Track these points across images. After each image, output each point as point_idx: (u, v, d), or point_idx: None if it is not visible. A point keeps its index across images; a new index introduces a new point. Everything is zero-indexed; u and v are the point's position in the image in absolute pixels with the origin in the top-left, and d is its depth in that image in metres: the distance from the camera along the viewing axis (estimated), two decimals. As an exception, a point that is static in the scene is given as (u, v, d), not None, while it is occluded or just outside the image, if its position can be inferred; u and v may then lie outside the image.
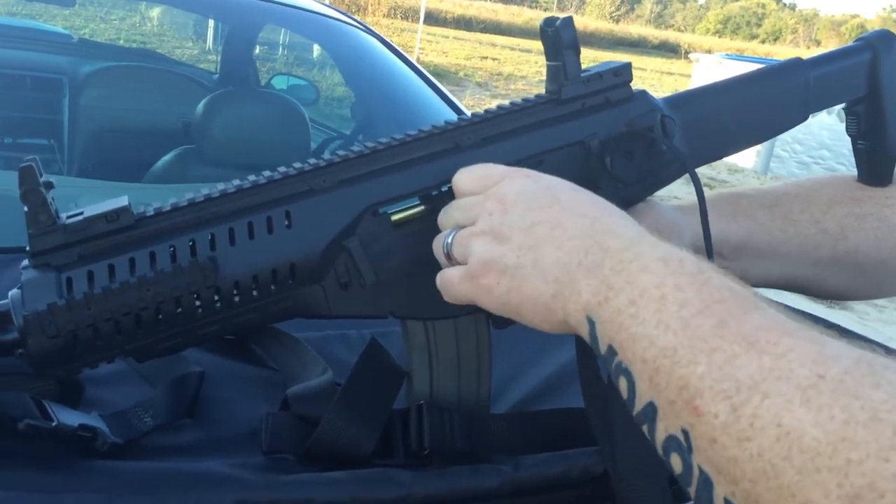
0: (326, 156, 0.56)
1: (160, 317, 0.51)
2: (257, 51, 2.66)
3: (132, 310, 0.50)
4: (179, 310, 0.51)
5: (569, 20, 0.59)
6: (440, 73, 10.25)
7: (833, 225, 0.67)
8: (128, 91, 1.99)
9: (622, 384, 0.40)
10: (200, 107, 1.67)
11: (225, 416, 0.61)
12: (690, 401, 0.34)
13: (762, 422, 0.31)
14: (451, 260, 0.52)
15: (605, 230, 0.45)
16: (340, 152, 0.56)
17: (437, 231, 0.56)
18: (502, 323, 0.61)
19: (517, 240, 0.47)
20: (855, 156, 0.70)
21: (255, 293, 0.53)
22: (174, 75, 2.29)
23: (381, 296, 0.57)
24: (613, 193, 0.59)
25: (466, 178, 0.53)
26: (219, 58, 2.52)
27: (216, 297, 0.52)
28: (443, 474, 0.52)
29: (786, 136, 7.97)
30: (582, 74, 0.60)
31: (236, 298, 0.53)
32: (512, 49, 16.64)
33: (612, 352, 0.40)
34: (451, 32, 18.28)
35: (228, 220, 0.53)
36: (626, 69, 0.62)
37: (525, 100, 0.61)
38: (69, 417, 0.52)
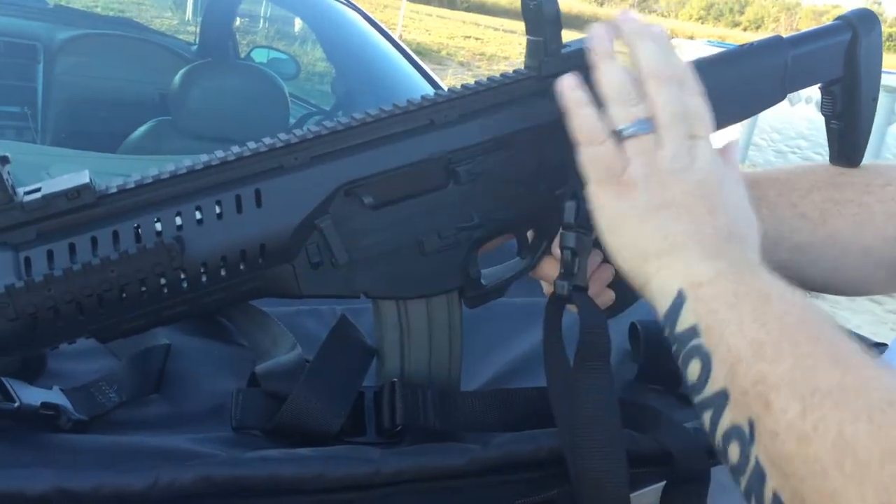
0: (298, 130, 0.54)
1: (124, 298, 0.49)
2: (238, 23, 2.62)
3: (94, 291, 0.48)
4: (144, 290, 0.49)
5: None
6: (423, 51, 10.18)
7: (811, 209, 0.66)
8: (104, 60, 1.95)
9: (693, 366, 0.42)
10: (177, 78, 1.65)
11: (191, 391, 0.60)
12: (765, 394, 0.37)
13: (826, 427, 0.34)
14: (618, 140, 0.50)
15: (737, 234, 0.48)
16: (313, 127, 0.55)
17: (414, 213, 0.56)
18: (475, 302, 0.61)
19: (678, 186, 0.48)
20: (828, 136, 0.69)
21: (223, 273, 0.52)
22: (152, 45, 2.25)
23: (353, 276, 0.56)
24: None
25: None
26: (198, 29, 2.48)
27: (182, 278, 0.50)
28: (411, 452, 0.52)
29: (764, 125, 8.02)
30: (563, 50, 0.59)
31: (204, 279, 0.51)
32: (495, 29, 16.55)
33: (694, 332, 0.42)
34: (435, 10, 18.14)
35: (196, 199, 0.51)
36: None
37: (504, 75, 0.59)
38: (30, 395, 0.51)
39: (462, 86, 0.58)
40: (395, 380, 0.57)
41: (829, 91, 0.68)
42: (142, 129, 1.62)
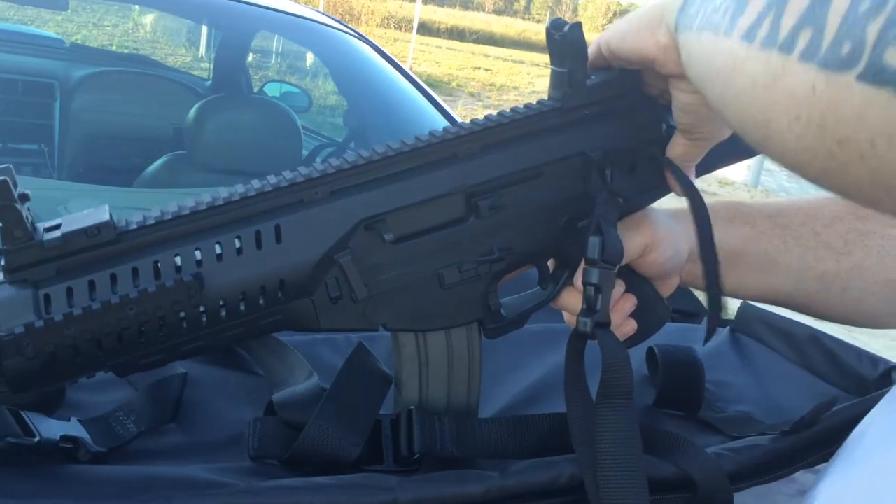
0: (319, 164, 0.54)
1: (143, 334, 0.49)
2: (250, 59, 2.66)
3: (114, 329, 0.48)
4: (163, 327, 0.49)
5: (577, 25, 0.56)
6: (433, 82, 10.26)
7: (835, 239, 0.66)
8: (119, 96, 1.98)
9: None
10: (192, 112, 1.67)
11: (208, 421, 0.60)
12: None
13: None
14: None
15: None
16: (334, 161, 0.54)
17: (434, 246, 0.55)
18: (495, 333, 0.61)
19: None
20: None
21: (242, 308, 0.51)
22: (166, 81, 2.29)
23: (372, 309, 0.55)
24: (611, 207, 0.57)
25: None
26: (211, 65, 2.52)
27: (202, 313, 0.50)
28: (428, 480, 0.51)
29: (777, 150, 8.01)
30: (588, 82, 0.58)
31: (223, 314, 0.51)
32: (504, 60, 16.68)
33: None
34: (445, 43, 18.32)
35: (215, 234, 0.50)
36: (636, 77, 0.59)
37: (528, 106, 0.58)
38: (50, 428, 0.51)
39: (485, 117, 0.57)
40: (413, 407, 0.57)
41: None
42: (157, 163, 1.64)
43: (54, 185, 1.54)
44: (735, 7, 0.37)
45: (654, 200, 0.64)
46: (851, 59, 0.30)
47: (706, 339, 0.64)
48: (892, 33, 0.28)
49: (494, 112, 0.59)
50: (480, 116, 0.58)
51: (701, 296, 0.94)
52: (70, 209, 1.18)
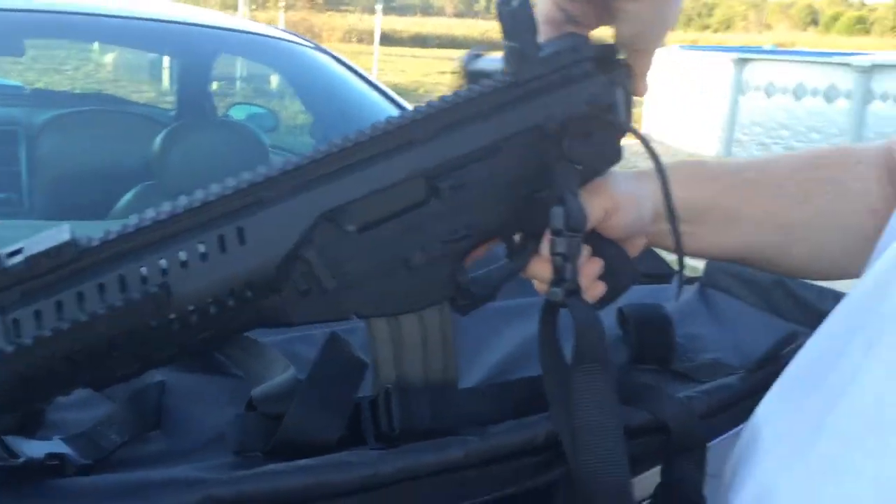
0: (279, 162, 0.54)
1: (115, 347, 0.49)
2: (214, 86, 2.67)
3: (84, 346, 0.48)
4: (135, 339, 0.49)
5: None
6: (400, 91, 10.23)
7: (794, 188, 0.67)
8: (84, 135, 1.97)
9: None
10: (158, 141, 1.67)
11: (192, 425, 0.61)
12: None
13: None
14: None
15: None
16: (293, 158, 0.54)
17: (397, 232, 0.56)
18: (466, 309, 0.61)
19: None
20: None
21: (213, 311, 0.52)
22: (130, 115, 2.29)
23: (342, 299, 0.56)
24: (571, 176, 0.58)
25: None
26: (175, 97, 2.52)
27: (172, 320, 0.50)
28: (408, 450, 0.53)
29: (744, 120, 8.10)
30: (539, 54, 0.58)
31: (193, 319, 0.51)
32: (470, 62, 16.70)
33: None
34: (408, 51, 18.35)
35: (179, 242, 0.51)
36: (584, 44, 0.59)
37: (482, 84, 0.58)
38: (33, 449, 0.52)
39: (440, 98, 0.57)
40: (389, 385, 0.58)
41: None
42: (128, 195, 1.64)
43: (27, 224, 1.54)
44: None
45: (612, 164, 0.64)
46: None
47: (677, 294, 0.65)
48: None
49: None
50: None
51: (668, 257, 0.95)
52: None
